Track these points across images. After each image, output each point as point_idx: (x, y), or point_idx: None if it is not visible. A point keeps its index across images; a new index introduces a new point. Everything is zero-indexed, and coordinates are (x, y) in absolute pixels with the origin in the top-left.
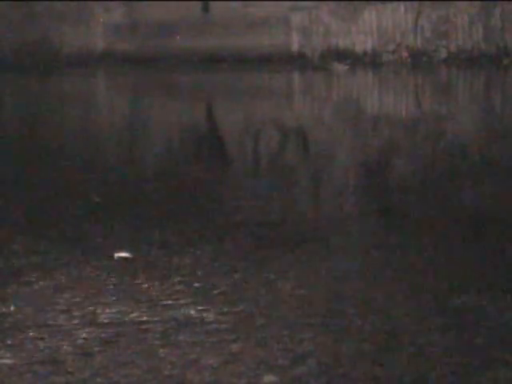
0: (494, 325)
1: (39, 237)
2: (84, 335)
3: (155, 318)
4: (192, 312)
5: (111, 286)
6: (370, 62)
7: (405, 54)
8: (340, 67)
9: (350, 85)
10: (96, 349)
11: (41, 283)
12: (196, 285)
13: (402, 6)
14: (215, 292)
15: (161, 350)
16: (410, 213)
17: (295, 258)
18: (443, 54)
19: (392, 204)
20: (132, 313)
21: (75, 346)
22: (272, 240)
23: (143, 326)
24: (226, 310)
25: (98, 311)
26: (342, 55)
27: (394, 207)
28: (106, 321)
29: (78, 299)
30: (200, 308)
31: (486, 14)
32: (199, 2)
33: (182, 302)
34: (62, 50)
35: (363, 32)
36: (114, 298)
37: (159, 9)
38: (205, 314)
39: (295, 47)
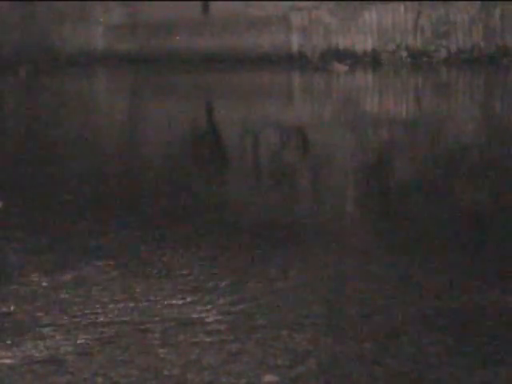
0: (494, 325)
1: (40, 237)
2: (84, 335)
3: (155, 318)
4: (192, 312)
5: (111, 286)
6: (370, 62)
7: (404, 53)
8: (340, 67)
9: (349, 85)
10: (96, 349)
11: (41, 283)
12: (196, 285)
13: (402, 5)
14: (215, 292)
15: (161, 350)
16: (410, 213)
17: (295, 258)
18: (443, 54)
19: (392, 204)
20: (132, 313)
21: (75, 345)
22: (272, 240)
23: (143, 326)
24: (226, 309)
25: (98, 311)
26: (342, 55)
27: (394, 207)
28: (106, 321)
29: (78, 299)
30: (200, 308)
31: (485, 13)
32: (199, 2)
33: (182, 301)
34: (62, 50)
35: (363, 32)
36: (114, 298)
37: (159, 9)
38: (205, 314)
39: (295, 47)
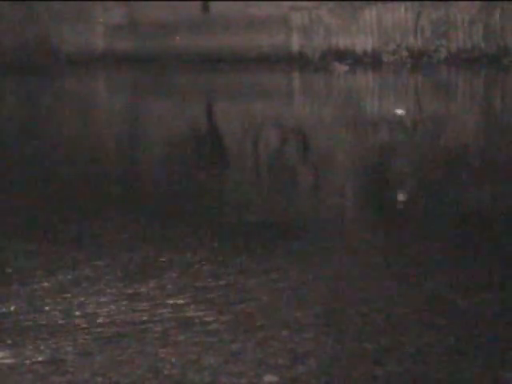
0: (493, 325)
1: (39, 237)
2: (84, 335)
3: (155, 318)
4: (192, 312)
5: (111, 286)
6: (370, 62)
7: (404, 53)
8: (340, 67)
9: (350, 85)
10: (96, 349)
11: (41, 283)
12: (196, 285)
13: (402, 5)
14: (215, 292)
15: (161, 350)
16: (410, 213)
17: (295, 258)
18: (443, 54)
19: (392, 204)
20: (132, 313)
21: (75, 345)
22: (272, 240)
23: (143, 326)
24: (226, 309)
25: (98, 311)
26: (342, 55)
27: (394, 208)
28: (106, 321)
29: (78, 299)
30: (200, 308)
31: (486, 13)
32: (199, 2)
33: (182, 301)
34: (61, 50)
35: (363, 32)
36: (113, 298)
37: (159, 9)
38: (205, 314)
39: (295, 47)
